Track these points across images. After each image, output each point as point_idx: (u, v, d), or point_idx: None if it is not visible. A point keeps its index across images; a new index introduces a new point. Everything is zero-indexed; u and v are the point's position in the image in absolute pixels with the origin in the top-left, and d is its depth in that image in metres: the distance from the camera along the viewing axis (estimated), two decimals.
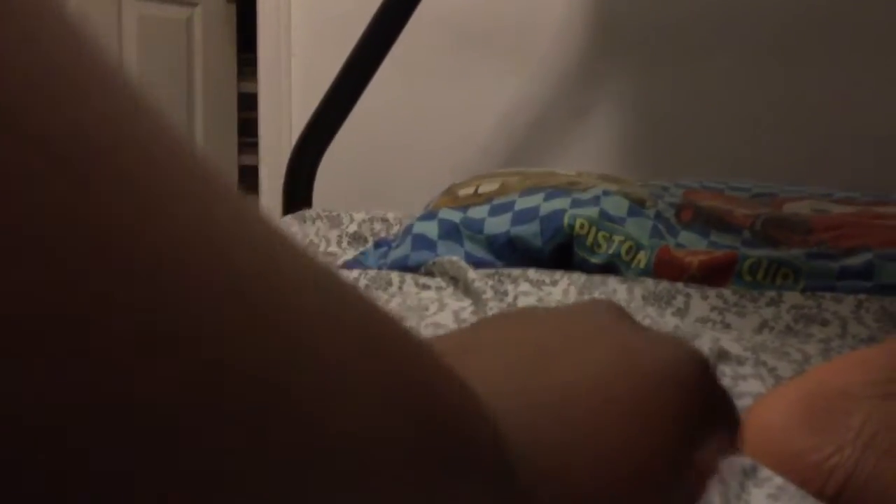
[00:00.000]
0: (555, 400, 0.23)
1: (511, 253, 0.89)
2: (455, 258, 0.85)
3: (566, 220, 0.87)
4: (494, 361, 0.25)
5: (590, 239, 0.86)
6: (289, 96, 1.76)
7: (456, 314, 0.73)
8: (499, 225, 0.90)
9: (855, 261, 0.80)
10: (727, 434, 0.25)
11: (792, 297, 0.76)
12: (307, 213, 1.12)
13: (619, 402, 0.24)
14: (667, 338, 0.26)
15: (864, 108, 1.47)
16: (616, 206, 0.89)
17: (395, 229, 1.09)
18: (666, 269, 0.82)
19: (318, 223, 1.10)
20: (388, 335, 0.17)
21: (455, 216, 0.94)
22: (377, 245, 1.01)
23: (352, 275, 0.84)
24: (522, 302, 0.75)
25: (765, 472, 0.36)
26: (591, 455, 0.23)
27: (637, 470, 0.23)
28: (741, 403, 0.48)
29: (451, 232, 0.92)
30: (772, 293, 0.77)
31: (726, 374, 0.49)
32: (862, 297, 0.75)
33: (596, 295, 0.77)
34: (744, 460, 0.37)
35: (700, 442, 0.24)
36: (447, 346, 0.24)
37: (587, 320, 0.27)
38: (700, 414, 0.25)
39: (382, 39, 1.22)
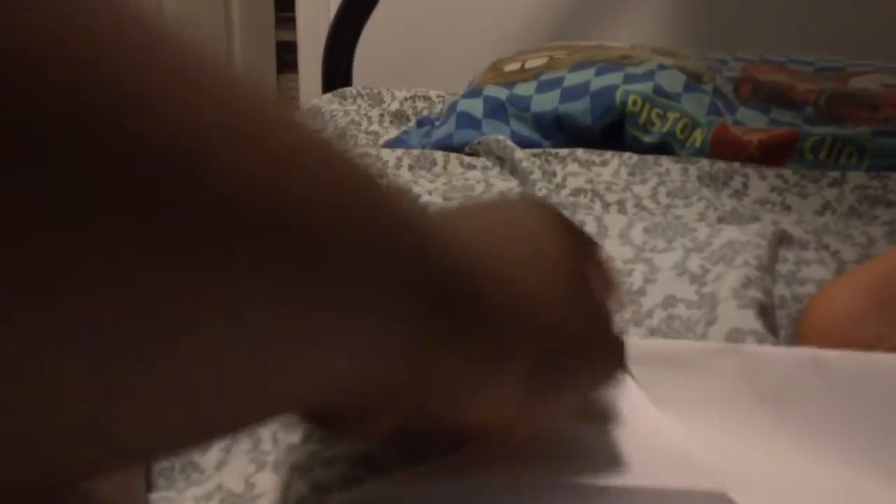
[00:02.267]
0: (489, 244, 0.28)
1: (559, 131, 0.86)
2: (501, 137, 0.82)
3: (618, 97, 0.83)
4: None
5: (643, 117, 0.82)
6: None
7: (503, 195, 0.71)
8: (547, 102, 0.87)
9: None
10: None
11: (856, 177, 0.72)
12: (347, 90, 1.09)
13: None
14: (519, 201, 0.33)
15: None
16: (671, 80, 0.85)
17: (439, 107, 1.06)
18: (723, 147, 0.79)
19: (359, 101, 1.07)
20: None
21: (501, 93, 0.90)
22: (420, 124, 0.98)
23: (394, 154, 0.82)
24: (571, 183, 0.73)
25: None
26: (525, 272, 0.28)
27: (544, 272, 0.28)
28: (804, 290, 0.46)
29: (497, 110, 0.89)
30: (835, 173, 0.73)
31: (788, 260, 0.47)
32: None
33: (648, 175, 0.74)
34: (804, 350, 0.36)
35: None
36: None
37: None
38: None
39: None
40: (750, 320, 0.38)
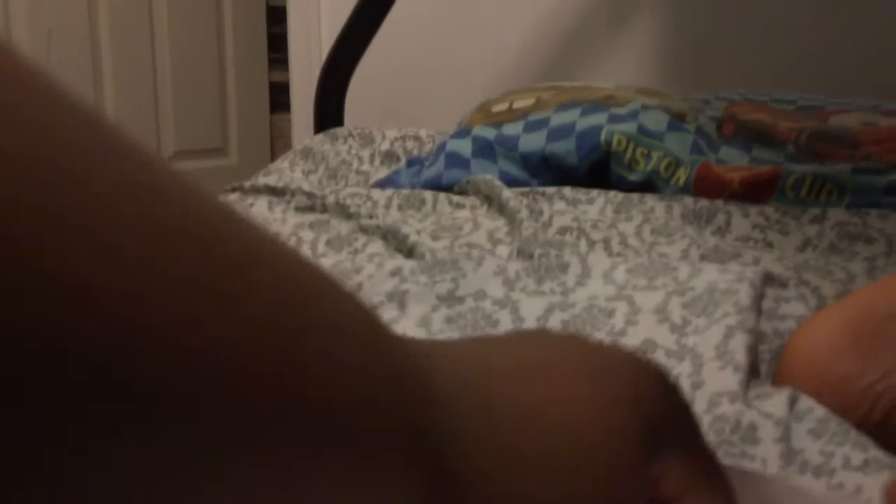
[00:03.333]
0: (517, 415, 0.22)
1: (546, 171, 0.87)
2: (489, 176, 0.84)
3: (603, 137, 0.84)
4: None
5: (627, 156, 0.84)
6: (318, 10, 1.72)
7: (490, 234, 0.72)
8: (534, 142, 0.88)
9: None
10: (686, 448, 0.24)
11: (836, 214, 0.74)
12: (339, 131, 1.11)
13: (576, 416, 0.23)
14: (624, 354, 0.25)
15: None
16: (655, 120, 0.87)
17: (428, 147, 1.08)
18: (706, 186, 0.80)
19: (350, 141, 1.09)
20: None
21: (489, 133, 0.92)
22: (410, 163, 0.99)
23: (384, 194, 0.84)
24: (558, 221, 0.74)
25: (805, 403, 0.36)
26: (546, 465, 0.22)
27: (592, 481, 0.22)
28: (783, 326, 0.47)
29: (485, 149, 0.91)
30: (815, 210, 0.75)
31: (768, 296, 0.48)
32: None
33: (633, 213, 0.76)
34: (784, 390, 0.37)
35: (656, 458, 0.23)
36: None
37: (544, 347, 0.26)
38: (656, 428, 0.24)
39: None
40: (728, 380, 0.39)
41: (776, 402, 0.37)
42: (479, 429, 0.21)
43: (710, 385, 0.39)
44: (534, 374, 0.23)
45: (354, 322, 0.18)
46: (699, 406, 0.38)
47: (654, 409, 0.24)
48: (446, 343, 0.25)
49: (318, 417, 0.16)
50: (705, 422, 0.37)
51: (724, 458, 0.35)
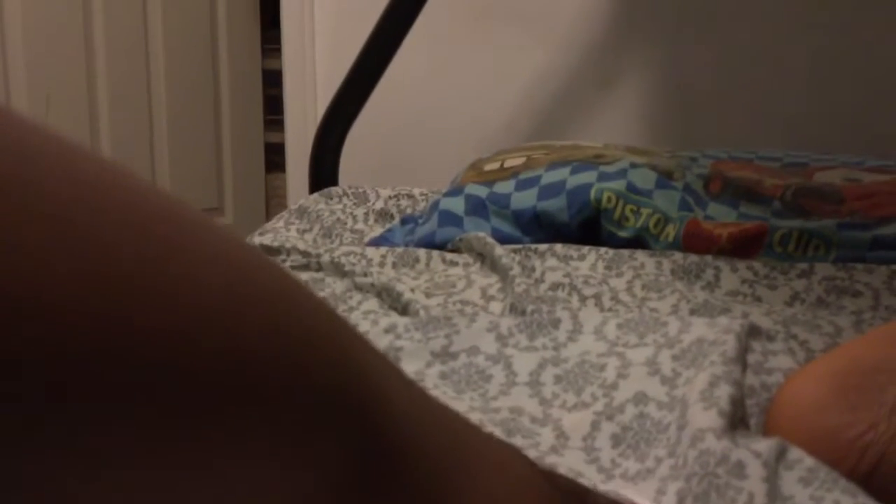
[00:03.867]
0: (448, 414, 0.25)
1: (538, 228, 0.89)
2: (482, 234, 0.85)
3: (593, 194, 0.86)
4: None
5: (617, 213, 0.85)
6: (313, 73, 1.76)
7: (483, 291, 0.73)
8: (525, 200, 0.90)
9: (887, 230, 0.79)
10: None
11: (823, 269, 0.75)
12: (333, 190, 1.13)
13: None
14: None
15: (893, 74, 1.44)
16: (643, 178, 0.89)
17: (422, 205, 1.09)
18: (695, 242, 0.81)
19: (345, 200, 1.10)
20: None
21: (481, 191, 0.93)
22: (404, 222, 1.01)
23: (378, 252, 0.85)
24: (549, 277, 0.75)
25: (795, 453, 0.36)
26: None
27: None
28: (770, 380, 0.48)
29: (478, 207, 0.92)
30: (803, 265, 0.76)
31: (756, 350, 0.49)
32: (895, 267, 0.73)
33: (624, 269, 0.77)
34: (773, 441, 0.37)
35: None
36: None
37: None
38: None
39: (405, 14, 1.21)
40: (713, 419, 0.39)
41: (765, 444, 0.37)
42: (411, 400, 0.23)
43: (695, 423, 0.39)
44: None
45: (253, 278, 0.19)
46: (684, 443, 0.38)
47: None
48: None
49: (217, 375, 0.16)
50: (690, 457, 0.37)
51: (709, 489, 0.36)
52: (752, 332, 0.50)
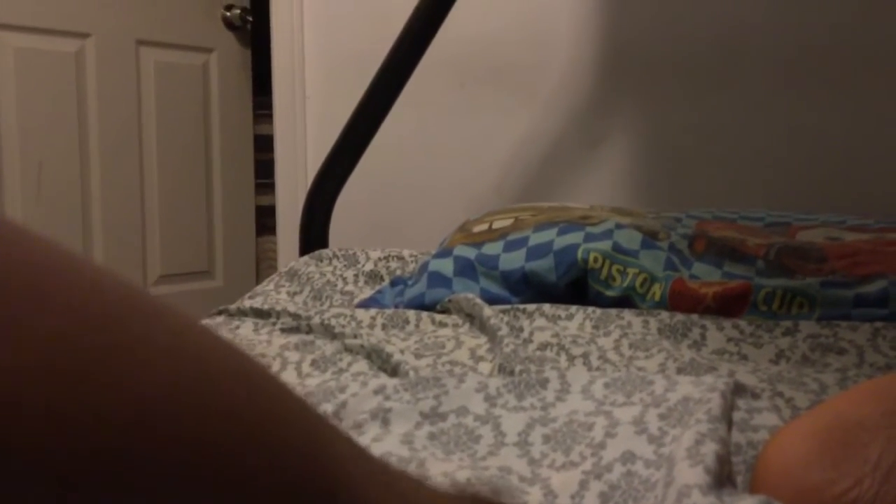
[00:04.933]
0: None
1: (526, 288, 0.90)
2: (470, 295, 0.86)
3: (580, 255, 0.87)
4: None
5: (604, 272, 0.87)
6: (304, 138, 1.79)
7: (472, 352, 0.74)
8: (513, 261, 0.91)
9: (870, 288, 0.80)
10: None
11: (808, 327, 0.76)
12: (324, 252, 1.14)
13: None
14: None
15: (873, 135, 1.48)
16: (629, 238, 0.90)
17: (411, 267, 1.10)
18: (681, 300, 0.82)
19: (335, 262, 1.11)
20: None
21: (470, 253, 0.95)
22: (393, 283, 1.02)
23: (368, 314, 0.85)
24: (538, 337, 0.76)
25: None
26: None
27: None
28: (756, 437, 0.48)
29: (467, 269, 0.93)
30: (787, 323, 0.77)
31: (741, 408, 0.49)
32: (878, 324, 0.75)
33: (611, 328, 0.78)
34: (760, 498, 0.38)
35: None
36: None
37: None
38: None
39: (394, 81, 1.24)
40: (699, 476, 0.40)
41: (751, 501, 0.37)
42: (382, 486, 0.23)
43: (681, 479, 0.39)
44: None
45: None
46: (670, 499, 0.39)
47: None
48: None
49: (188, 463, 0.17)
50: None
51: None
52: (738, 389, 0.51)
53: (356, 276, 1.09)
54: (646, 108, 1.58)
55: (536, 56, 1.62)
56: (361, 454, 0.25)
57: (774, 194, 1.49)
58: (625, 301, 0.85)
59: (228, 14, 2.17)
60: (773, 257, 0.89)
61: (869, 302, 0.79)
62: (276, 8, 1.79)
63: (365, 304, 0.97)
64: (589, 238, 0.90)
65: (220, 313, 0.89)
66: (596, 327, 0.78)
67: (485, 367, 0.71)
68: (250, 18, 2.19)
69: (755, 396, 0.52)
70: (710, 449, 0.42)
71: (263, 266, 2.39)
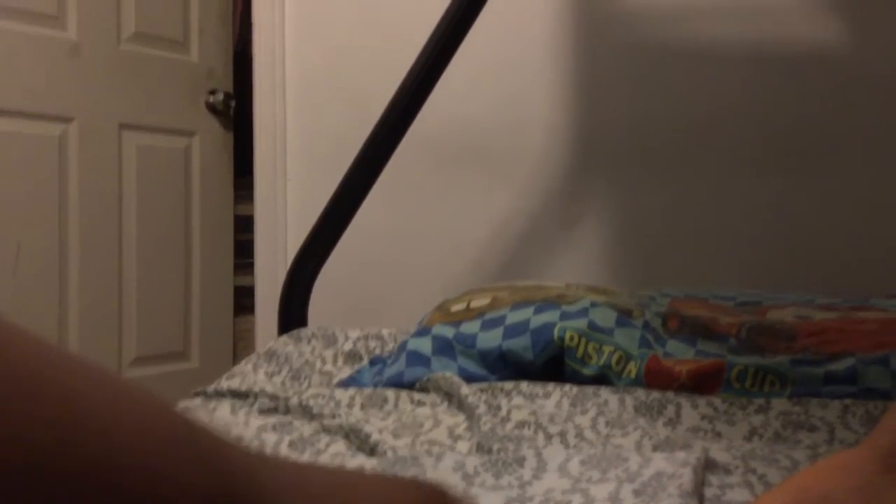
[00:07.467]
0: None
1: (504, 366, 0.91)
2: (448, 374, 0.87)
3: (556, 333, 0.89)
4: None
5: (580, 350, 0.88)
6: (284, 219, 1.81)
7: (451, 430, 0.74)
8: (491, 339, 0.92)
9: (839, 366, 0.82)
10: None
11: (780, 404, 0.77)
12: (302, 332, 1.14)
13: None
14: (408, 481, 0.31)
15: (841, 216, 1.52)
16: (604, 317, 0.92)
17: (390, 346, 1.11)
18: (656, 378, 0.84)
19: (314, 342, 1.12)
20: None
21: (448, 332, 0.96)
22: (372, 363, 1.02)
23: (347, 393, 0.86)
24: (515, 416, 0.76)
25: None
26: None
27: None
28: None
29: (445, 347, 0.94)
30: (760, 400, 0.78)
31: (713, 484, 0.50)
32: (847, 401, 0.76)
33: (588, 406, 0.78)
34: None
35: None
36: None
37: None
38: None
39: (373, 164, 1.27)
40: None
41: None
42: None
43: None
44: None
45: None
46: None
47: None
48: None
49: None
50: None
51: None
52: (709, 465, 0.52)
53: (335, 355, 1.09)
54: (619, 191, 1.62)
55: (513, 140, 1.67)
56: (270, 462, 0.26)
57: (745, 272, 1.52)
58: (601, 378, 0.87)
59: (211, 99, 2.21)
60: (744, 336, 0.91)
61: (838, 379, 0.81)
62: (259, 93, 1.84)
63: (344, 384, 0.97)
64: (565, 316, 0.91)
65: (197, 395, 0.88)
66: (573, 405, 0.79)
67: (463, 445, 0.71)
68: (233, 103, 2.24)
69: (727, 472, 0.53)
70: None
71: (240, 346, 2.37)
